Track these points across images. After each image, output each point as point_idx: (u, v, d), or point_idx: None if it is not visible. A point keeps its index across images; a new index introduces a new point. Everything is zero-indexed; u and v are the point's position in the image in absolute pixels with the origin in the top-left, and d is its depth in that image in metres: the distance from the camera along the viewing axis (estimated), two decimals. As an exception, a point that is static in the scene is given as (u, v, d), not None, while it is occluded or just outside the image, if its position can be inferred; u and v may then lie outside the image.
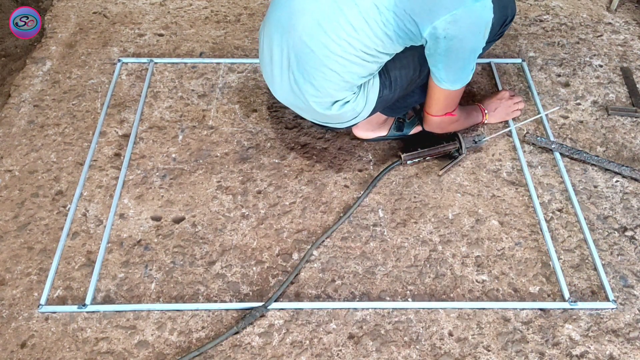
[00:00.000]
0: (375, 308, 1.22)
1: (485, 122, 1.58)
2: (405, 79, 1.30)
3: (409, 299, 1.24)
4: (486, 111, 1.57)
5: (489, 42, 1.45)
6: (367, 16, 1.14)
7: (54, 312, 1.20)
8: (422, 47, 1.22)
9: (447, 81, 1.26)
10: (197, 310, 1.21)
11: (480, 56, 1.54)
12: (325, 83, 1.24)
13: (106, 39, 1.84)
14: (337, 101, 1.29)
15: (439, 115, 1.37)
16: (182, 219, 1.37)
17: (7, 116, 1.59)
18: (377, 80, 1.30)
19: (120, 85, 1.69)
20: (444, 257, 1.31)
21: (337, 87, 1.25)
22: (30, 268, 1.27)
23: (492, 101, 1.60)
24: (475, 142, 1.50)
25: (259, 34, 1.35)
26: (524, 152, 1.52)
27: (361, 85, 1.29)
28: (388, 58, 1.25)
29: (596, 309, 1.22)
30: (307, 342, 1.17)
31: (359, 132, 1.49)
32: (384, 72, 1.29)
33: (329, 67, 1.21)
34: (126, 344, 1.16)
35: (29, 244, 1.31)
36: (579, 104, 1.67)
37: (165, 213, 1.38)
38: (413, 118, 1.52)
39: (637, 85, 1.71)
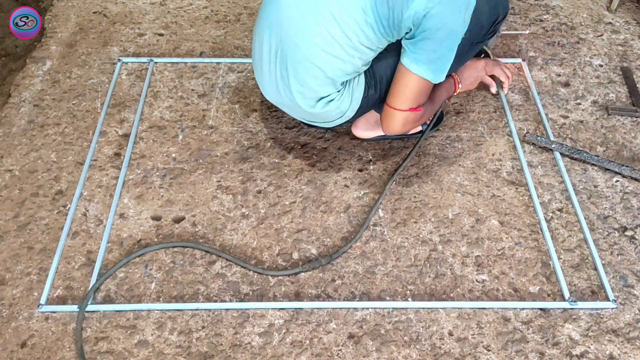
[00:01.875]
0: (375, 308, 1.22)
1: (456, 93, 1.50)
2: (391, 79, 1.30)
3: (409, 299, 1.24)
4: (460, 85, 1.48)
5: (480, 42, 1.44)
6: (347, 5, 1.15)
7: (54, 312, 1.20)
8: None
9: (424, 63, 1.19)
10: (197, 310, 1.21)
11: (468, 57, 1.53)
12: (309, 78, 1.24)
13: (106, 39, 1.84)
14: (321, 98, 1.29)
15: (404, 109, 1.27)
16: (182, 218, 1.37)
17: (7, 116, 1.59)
18: (362, 79, 1.30)
19: (120, 85, 1.69)
20: (444, 256, 1.31)
21: (320, 82, 1.25)
22: (30, 268, 1.27)
23: (465, 67, 1.51)
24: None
25: (252, 35, 1.36)
26: (524, 151, 1.52)
27: (346, 83, 1.30)
28: (372, 54, 1.25)
29: (596, 309, 1.22)
30: (307, 341, 1.17)
31: (359, 132, 1.49)
32: (370, 71, 1.30)
33: (312, 61, 1.22)
34: (126, 344, 1.16)
35: (29, 243, 1.31)
36: (579, 103, 1.67)
37: (165, 213, 1.38)
38: None
39: (637, 85, 1.71)
